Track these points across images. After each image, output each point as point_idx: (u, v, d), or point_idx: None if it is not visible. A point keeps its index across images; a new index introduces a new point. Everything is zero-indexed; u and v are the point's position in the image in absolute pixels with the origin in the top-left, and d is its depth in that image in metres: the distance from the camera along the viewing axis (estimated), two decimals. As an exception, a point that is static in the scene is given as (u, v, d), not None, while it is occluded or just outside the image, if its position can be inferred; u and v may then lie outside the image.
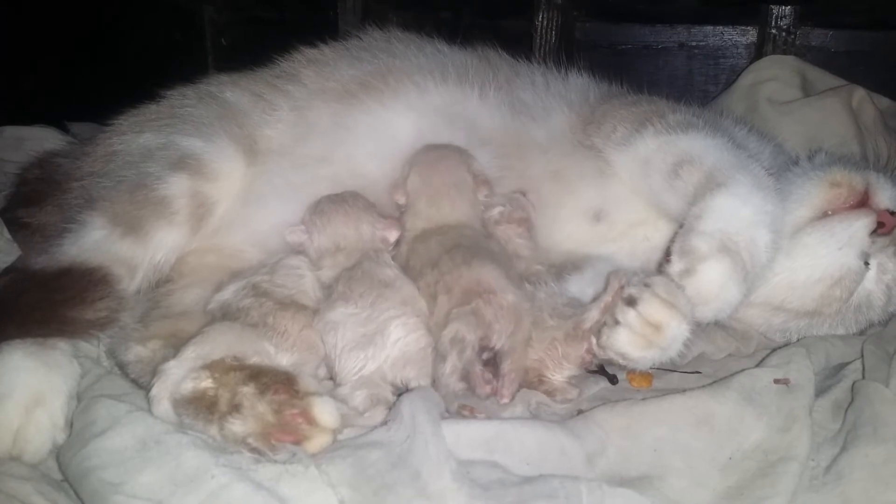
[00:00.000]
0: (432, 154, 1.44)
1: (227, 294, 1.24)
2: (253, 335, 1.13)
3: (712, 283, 1.08)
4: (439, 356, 1.12)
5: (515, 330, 1.15)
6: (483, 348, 1.12)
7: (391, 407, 1.08)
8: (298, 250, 1.35)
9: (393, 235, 1.37)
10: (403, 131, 1.50)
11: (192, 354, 1.07)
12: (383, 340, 1.14)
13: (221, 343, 1.09)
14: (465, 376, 1.12)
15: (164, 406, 1.03)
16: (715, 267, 1.08)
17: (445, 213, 1.37)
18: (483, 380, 1.11)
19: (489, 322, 1.12)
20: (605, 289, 1.19)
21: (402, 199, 1.43)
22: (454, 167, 1.42)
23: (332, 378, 1.20)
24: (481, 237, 1.33)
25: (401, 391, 1.12)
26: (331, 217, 1.35)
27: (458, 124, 1.50)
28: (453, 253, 1.25)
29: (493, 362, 1.14)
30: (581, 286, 1.36)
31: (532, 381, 1.19)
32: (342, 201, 1.37)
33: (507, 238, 1.41)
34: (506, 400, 1.13)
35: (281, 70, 1.59)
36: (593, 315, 1.18)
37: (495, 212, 1.42)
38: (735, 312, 1.14)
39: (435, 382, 1.14)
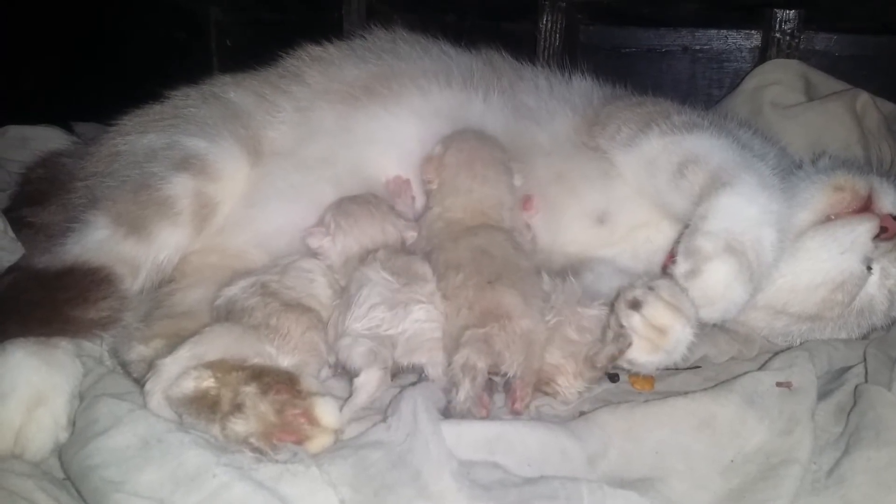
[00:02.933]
0: (470, 135, 1.42)
1: (235, 289, 1.24)
2: (253, 338, 1.13)
3: (718, 284, 1.08)
4: (451, 382, 1.11)
5: (528, 356, 1.14)
6: (493, 374, 1.13)
7: (388, 369, 1.10)
8: (318, 253, 1.33)
9: (412, 236, 1.36)
10: (406, 136, 1.50)
11: (186, 353, 1.08)
12: (405, 314, 1.15)
13: (218, 345, 1.09)
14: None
15: (157, 399, 1.04)
16: (720, 267, 1.08)
17: (479, 198, 1.35)
18: (482, 403, 1.11)
19: (499, 351, 1.12)
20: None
21: (433, 183, 1.39)
22: (494, 150, 1.41)
23: (332, 370, 1.21)
24: (510, 249, 1.29)
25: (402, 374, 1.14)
26: (358, 218, 1.33)
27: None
28: (480, 263, 1.23)
29: (492, 383, 1.15)
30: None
31: (541, 382, 1.19)
32: (366, 202, 1.36)
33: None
34: (519, 408, 1.13)
35: (285, 69, 1.59)
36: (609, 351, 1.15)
37: None
38: (741, 313, 1.14)
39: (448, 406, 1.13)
